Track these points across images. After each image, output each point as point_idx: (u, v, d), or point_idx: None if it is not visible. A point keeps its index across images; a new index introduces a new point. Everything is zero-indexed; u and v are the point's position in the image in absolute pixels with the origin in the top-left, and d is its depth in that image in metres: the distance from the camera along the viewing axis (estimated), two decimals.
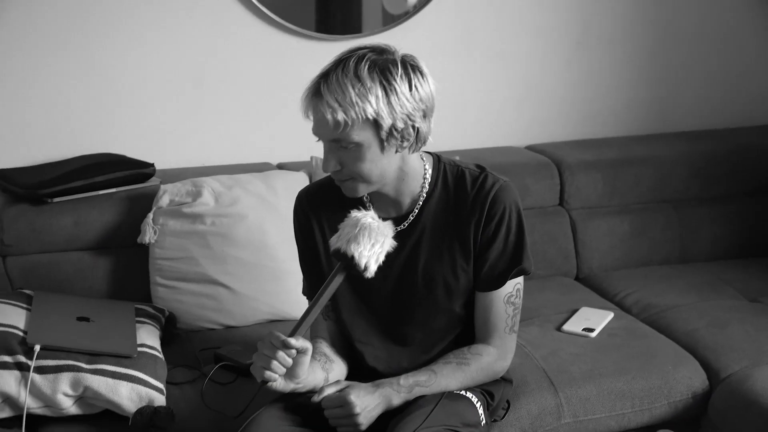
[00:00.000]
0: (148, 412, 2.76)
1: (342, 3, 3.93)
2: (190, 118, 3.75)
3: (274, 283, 3.38)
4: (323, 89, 2.45)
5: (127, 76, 3.64)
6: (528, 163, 3.90)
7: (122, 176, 3.45)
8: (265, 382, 2.43)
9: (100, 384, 2.78)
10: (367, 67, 2.44)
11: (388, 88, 2.44)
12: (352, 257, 2.39)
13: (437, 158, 2.74)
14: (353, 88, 2.43)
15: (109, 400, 2.79)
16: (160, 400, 2.83)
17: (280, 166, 3.71)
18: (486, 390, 2.80)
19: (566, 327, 3.41)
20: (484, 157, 3.70)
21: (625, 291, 3.71)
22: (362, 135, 2.48)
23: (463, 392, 2.72)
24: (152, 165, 3.52)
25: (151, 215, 3.36)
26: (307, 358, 2.46)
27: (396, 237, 2.56)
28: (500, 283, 2.69)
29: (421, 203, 2.68)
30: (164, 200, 3.37)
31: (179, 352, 3.18)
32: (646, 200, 4.00)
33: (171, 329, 3.29)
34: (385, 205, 2.68)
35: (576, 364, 3.18)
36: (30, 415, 2.77)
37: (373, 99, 2.43)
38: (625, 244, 3.94)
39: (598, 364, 3.19)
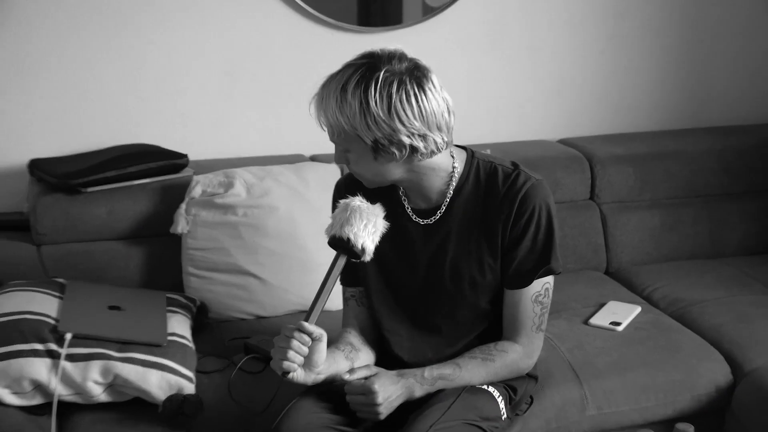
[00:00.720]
0: (177, 400, 2.77)
1: None
2: (224, 110, 3.75)
3: (304, 274, 3.38)
4: (323, 94, 2.50)
5: (161, 67, 3.64)
6: (559, 156, 3.89)
7: (155, 167, 3.46)
8: (285, 373, 2.44)
9: (130, 372, 2.80)
10: (353, 82, 2.45)
11: (365, 108, 2.43)
12: (348, 240, 2.43)
13: (471, 154, 2.73)
14: (335, 102, 2.46)
15: (139, 387, 2.80)
16: (189, 388, 2.84)
17: (313, 158, 3.71)
18: (509, 385, 2.81)
19: (593, 320, 3.41)
20: (516, 150, 3.72)
21: (654, 285, 3.71)
22: (352, 145, 2.52)
23: (484, 386, 2.72)
24: (185, 156, 3.52)
25: (183, 206, 3.36)
26: (323, 345, 2.48)
27: (425, 229, 2.63)
28: (527, 282, 2.69)
29: (449, 198, 2.68)
30: (197, 191, 3.37)
31: (209, 341, 3.19)
32: (676, 195, 3.98)
33: (202, 319, 3.30)
34: (415, 197, 2.70)
35: (601, 357, 3.19)
36: (60, 402, 2.78)
37: (350, 116, 2.45)
38: (654, 238, 3.93)
39: (623, 357, 3.19)
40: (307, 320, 2.45)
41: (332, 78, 2.51)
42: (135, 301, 3.12)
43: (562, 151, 3.95)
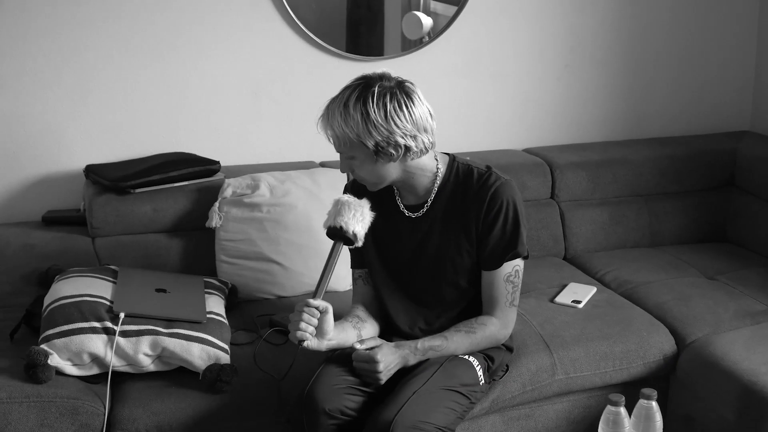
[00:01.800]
0: (216, 368, 2.68)
1: (368, 29, 3.78)
2: (249, 123, 3.66)
3: (318, 260, 3.15)
4: (328, 113, 2.50)
5: (198, 88, 3.55)
6: (525, 163, 3.77)
7: (193, 171, 3.35)
8: (300, 342, 2.44)
9: (176, 345, 2.70)
10: (354, 99, 2.47)
11: (366, 117, 2.45)
12: (341, 228, 2.45)
13: (452, 158, 2.72)
14: (340, 116, 2.47)
15: (183, 358, 2.71)
16: (225, 358, 2.74)
17: (323, 164, 3.61)
18: (488, 355, 2.76)
19: (558, 299, 3.30)
20: (490, 157, 3.60)
21: (605, 269, 3.59)
22: (355, 151, 2.51)
23: (465, 356, 2.68)
24: (218, 162, 3.42)
25: (217, 204, 3.27)
26: (330, 316, 2.49)
27: (414, 221, 2.66)
28: (498, 264, 2.66)
29: (433, 195, 2.66)
30: (228, 192, 3.27)
31: (240, 317, 3.09)
32: (622, 194, 3.86)
33: (233, 299, 3.17)
34: (407, 193, 2.69)
35: (567, 330, 3.09)
36: (114, 372, 2.68)
37: (354, 126, 2.46)
38: (604, 230, 3.81)
39: (585, 330, 3.10)
40: (313, 297, 2.45)
41: (334, 99, 2.53)
42: (177, 285, 2.99)
43: (527, 159, 3.84)
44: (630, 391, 2.67)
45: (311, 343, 2.47)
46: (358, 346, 2.57)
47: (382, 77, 2.51)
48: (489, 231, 2.63)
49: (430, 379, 2.54)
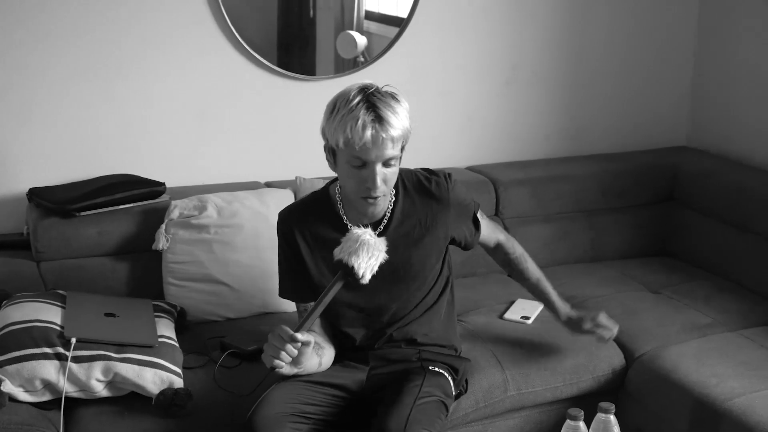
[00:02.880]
0: (169, 393, 2.65)
1: (300, 49, 3.79)
2: (194, 144, 3.64)
3: (267, 281, 3.24)
4: (384, 115, 2.42)
5: (141, 108, 3.52)
6: (469, 180, 3.81)
7: (138, 193, 3.33)
8: (273, 368, 2.36)
9: (128, 370, 2.67)
10: (391, 96, 2.46)
11: (406, 112, 2.48)
12: (352, 267, 2.33)
13: None
14: (399, 112, 2.45)
15: (136, 383, 2.68)
16: (178, 382, 2.72)
17: (268, 184, 3.60)
18: (452, 366, 2.78)
19: (507, 315, 3.33)
20: None
21: (552, 284, 3.60)
22: (398, 151, 2.49)
23: (438, 370, 2.71)
24: (163, 184, 3.40)
25: (163, 226, 3.24)
26: (310, 349, 2.40)
27: None
28: (478, 235, 2.83)
29: (390, 210, 2.64)
30: (175, 213, 3.26)
31: (190, 340, 3.06)
32: (565, 210, 3.92)
33: (182, 322, 3.15)
34: (359, 216, 2.61)
35: (518, 347, 3.13)
36: (67, 398, 2.64)
37: (406, 120, 2.47)
38: (548, 246, 3.87)
39: (535, 346, 3.14)
40: (301, 327, 2.35)
41: (376, 102, 2.44)
42: (126, 308, 2.97)
43: (471, 176, 3.88)
44: (580, 406, 2.68)
45: (284, 370, 2.40)
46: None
47: (363, 85, 2.50)
48: (459, 227, 2.73)
49: (422, 388, 2.55)
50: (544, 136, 4.18)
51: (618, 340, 3.20)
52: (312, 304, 2.58)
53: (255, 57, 3.62)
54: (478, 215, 2.83)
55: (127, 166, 3.50)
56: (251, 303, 3.26)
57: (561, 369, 3.08)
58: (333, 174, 2.62)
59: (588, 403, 2.48)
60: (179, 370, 2.75)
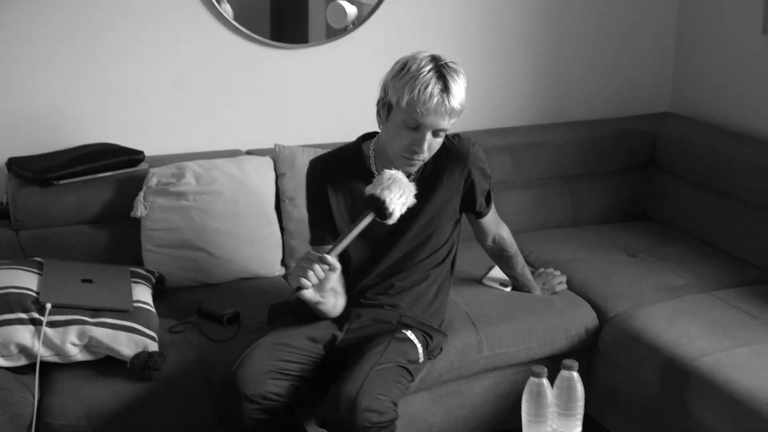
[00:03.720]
0: (143, 356, 2.70)
1: (293, 17, 3.81)
2: (174, 113, 3.65)
3: (245, 247, 3.32)
4: (451, 87, 2.53)
5: (120, 77, 3.54)
6: None
7: (117, 162, 3.35)
8: (299, 288, 2.44)
9: (103, 334, 2.72)
10: (456, 72, 2.57)
11: (465, 90, 2.59)
12: (384, 201, 2.43)
13: None
14: (462, 88, 2.57)
15: (111, 347, 2.73)
16: (153, 346, 2.77)
17: (249, 152, 3.63)
18: (427, 333, 2.85)
19: (486, 280, 3.38)
20: None
21: (530, 249, 3.66)
22: (450, 124, 2.61)
23: (408, 335, 2.77)
24: (142, 152, 3.42)
25: (142, 194, 3.28)
26: (335, 275, 2.50)
27: None
28: (488, 210, 2.99)
29: (418, 172, 2.75)
30: (153, 181, 3.29)
31: (168, 305, 3.12)
32: (544, 176, 3.96)
33: (161, 288, 3.20)
34: (389, 166, 2.68)
35: (493, 309, 3.17)
36: (42, 363, 2.69)
37: (464, 96, 2.59)
38: (528, 211, 3.91)
39: (510, 308, 3.19)
40: (330, 251, 2.43)
41: (443, 72, 2.55)
42: (103, 275, 3.01)
43: None
44: (554, 366, 2.73)
45: (308, 293, 2.49)
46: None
47: (434, 56, 2.59)
48: (476, 187, 2.83)
49: (383, 354, 2.61)
50: (525, 102, 4.20)
51: (592, 301, 3.26)
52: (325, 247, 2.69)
53: (233, 24, 3.62)
54: (491, 194, 2.96)
55: (106, 135, 3.51)
56: (229, 269, 3.30)
57: (535, 329, 3.12)
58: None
59: (561, 363, 2.51)
60: (154, 334, 2.80)
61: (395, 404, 2.55)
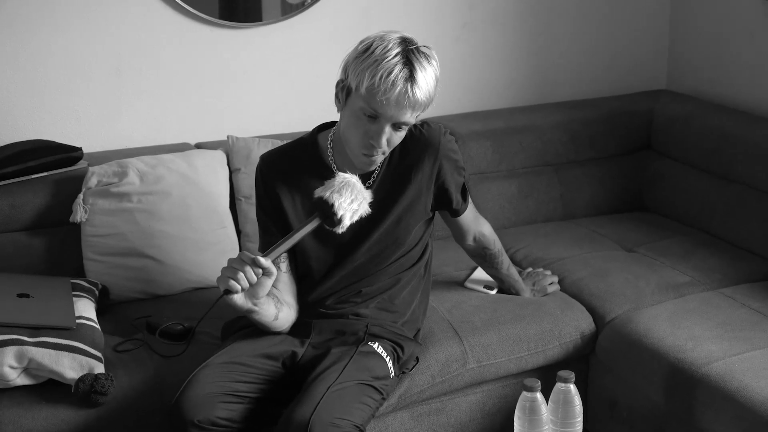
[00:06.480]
0: (89, 379, 2.70)
1: None
2: (113, 104, 3.65)
3: (197, 253, 3.32)
4: (418, 77, 2.50)
5: (53, 65, 3.52)
6: None
7: (52, 160, 3.34)
8: (228, 292, 2.44)
9: (44, 356, 2.71)
10: (426, 58, 2.53)
11: (437, 80, 2.57)
12: (332, 205, 2.43)
13: None
14: (431, 78, 2.53)
15: (53, 370, 2.72)
16: (99, 367, 2.76)
17: (198, 146, 3.63)
18: (397, 343, 2.83)
19: (467, 284, 3.39)
20: None
21: (516, 247, 3.70)
22: (414, 118, 2.59)
23: (375, 348, 2.77)
24: (80, 149, 3.41)
25: (81, 196, 3.27)
26: (270, 281, 2.50)
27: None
28: (465, 207, 2.95)
29: (382, 167, 2.76)
30: (92, 181, 3.28)
31: (113, 321, 3.11)
32: (530, 164, 3.98)
33: (105, 301, 3.20)
34: (349, 168, 2.68)
35: (477, 315, 3.18)
36: None
37: (434, 89, 2.56)
38: (513, 204, 3.93)
39: (496, 313, 3.19)
40: (266, 255, 2.44)
41: (411, 59, 2.51)
42: (42, 288, 3.01)
43: None
44: (548, 376, 2.78)
45: (237, 297, 2.49)
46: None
47: (405, 38, 2.56)
48: (449, 182, 2.82)
49: (342, 372, 2.60)
50: (506, 83, 4.22)
51: (587, 303, 3.29)
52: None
53: (177, 3, 3.62)
54: (467, 188, 2.96)
55: (40, 131, 3.51)
56: (180, 278, 3.30)
57: (525, 337, 3.14)
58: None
59: (555, 373, 2.53)
60: (100, 354, 2.80)
61: (360, 428, 2.54)
